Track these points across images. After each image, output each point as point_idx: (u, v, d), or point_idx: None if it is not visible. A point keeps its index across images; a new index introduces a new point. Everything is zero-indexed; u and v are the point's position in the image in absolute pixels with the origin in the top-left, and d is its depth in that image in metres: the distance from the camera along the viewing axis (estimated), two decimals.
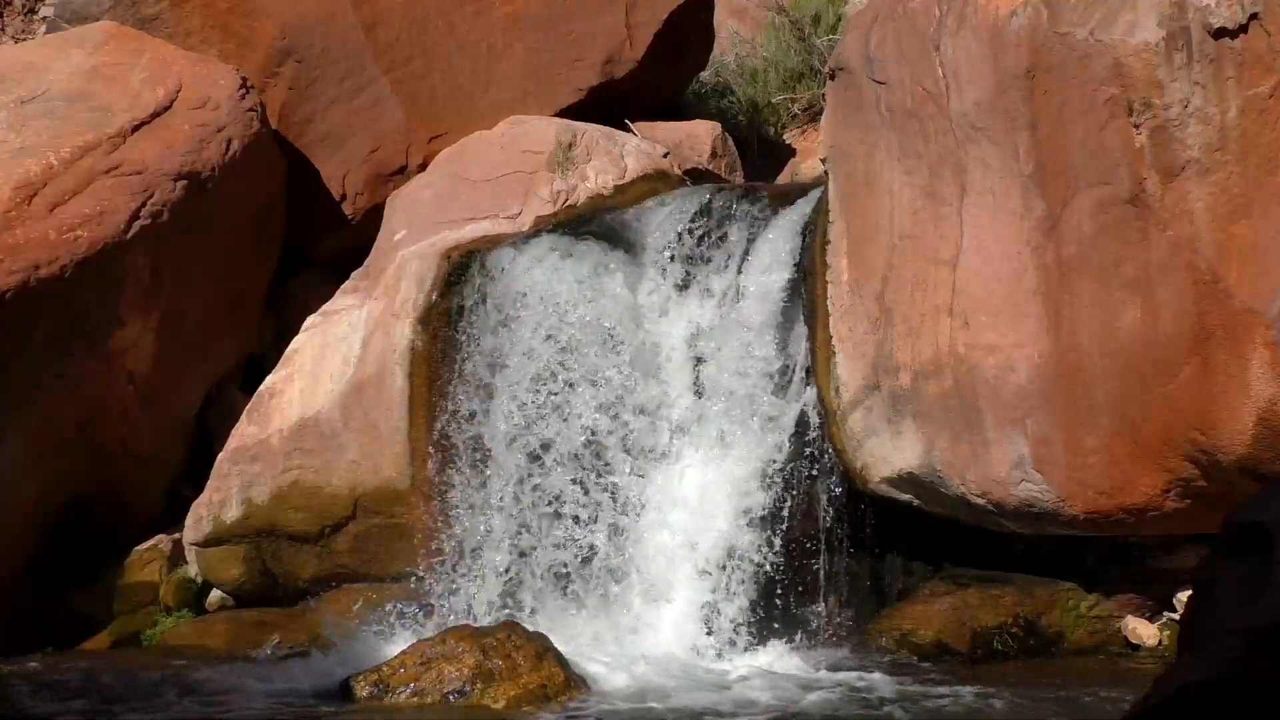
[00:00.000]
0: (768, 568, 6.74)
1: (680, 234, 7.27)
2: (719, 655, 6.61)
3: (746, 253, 7.13)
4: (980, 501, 6.36)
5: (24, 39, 9.84)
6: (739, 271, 7.11)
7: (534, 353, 7.14)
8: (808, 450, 6.82)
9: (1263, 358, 5.47)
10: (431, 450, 7.22)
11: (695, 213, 7.32)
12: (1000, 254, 6.17)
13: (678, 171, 8.39)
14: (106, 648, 7.27)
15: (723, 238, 7.23)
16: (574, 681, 5.93)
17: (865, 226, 6.70)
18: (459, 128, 8.52)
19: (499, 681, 5.82)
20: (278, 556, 7.52)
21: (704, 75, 10.47)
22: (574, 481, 6.97)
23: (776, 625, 6.76)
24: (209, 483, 7.61)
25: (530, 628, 6.22)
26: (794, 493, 6.80)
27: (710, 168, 8.89)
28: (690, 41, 9.44)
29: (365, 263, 7.99)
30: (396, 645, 6.40)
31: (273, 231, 8.23)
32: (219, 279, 7.86)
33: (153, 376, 7.51)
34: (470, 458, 7.15)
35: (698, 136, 9.05)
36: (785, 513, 6.77)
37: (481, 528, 7.05)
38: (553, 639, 6.17)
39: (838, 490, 6.78)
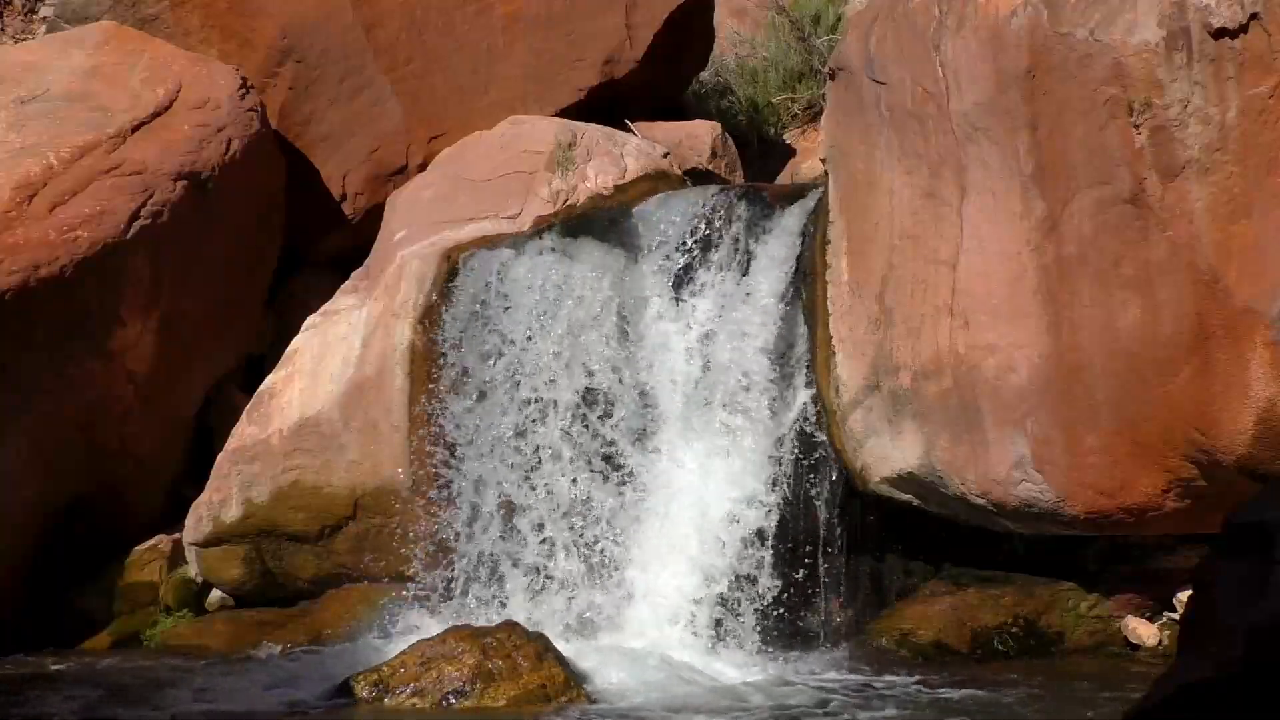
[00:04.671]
0: (767, 568, 6.74)
1: (680, 234, 7.27)
2: (718, 655, 6.60)
3: (746, 253, 7.13)
4: (980, 501, 6.36)
5: (24, 39, 9.84)
6: (739, 272, 7.11)
7: (533, 352, 7.15)
8: (807, 450, 6.82)
9: (1263, 358, 5.47)
10: (432, 450, 7.22)
11: (695, 213, 7.32)
12: (1000, 254, 6.17)
13: (678, 171, 8.39)
14: (106, 648, 7.26)
15: (723, 238, 7.23)
16: (574, 681, 5.92)
17: (865, 226, 6.70)
18: (459, 128, 8.52)
19: (499, 681, 5.82)
20: (278, 556, 7.52)
21: (704, 75, 10.47)
22: (573, 480, 6.98)
23: (775, 625, 6.75)
24: (209, 483, 7.61)
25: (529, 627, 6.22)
26: (793, 493, 6.80)
27: (710, 168, 8.89)
28: (690, 41, 9.44)
29: (365, 263, 7.99)
30: (396, 645, 6.40)
31: (273, 231, 8.24)
32: (219, 279, 7.86)
33: (153, 376, 7.51)
34: (470, 457, 7.15)
35: (698, 136, 9.04)
36: (785, 513, 6.77)
37: (481, 527, 7.06)
38: (552, 638, 6.17)
39: (837, 490, 6.78)
